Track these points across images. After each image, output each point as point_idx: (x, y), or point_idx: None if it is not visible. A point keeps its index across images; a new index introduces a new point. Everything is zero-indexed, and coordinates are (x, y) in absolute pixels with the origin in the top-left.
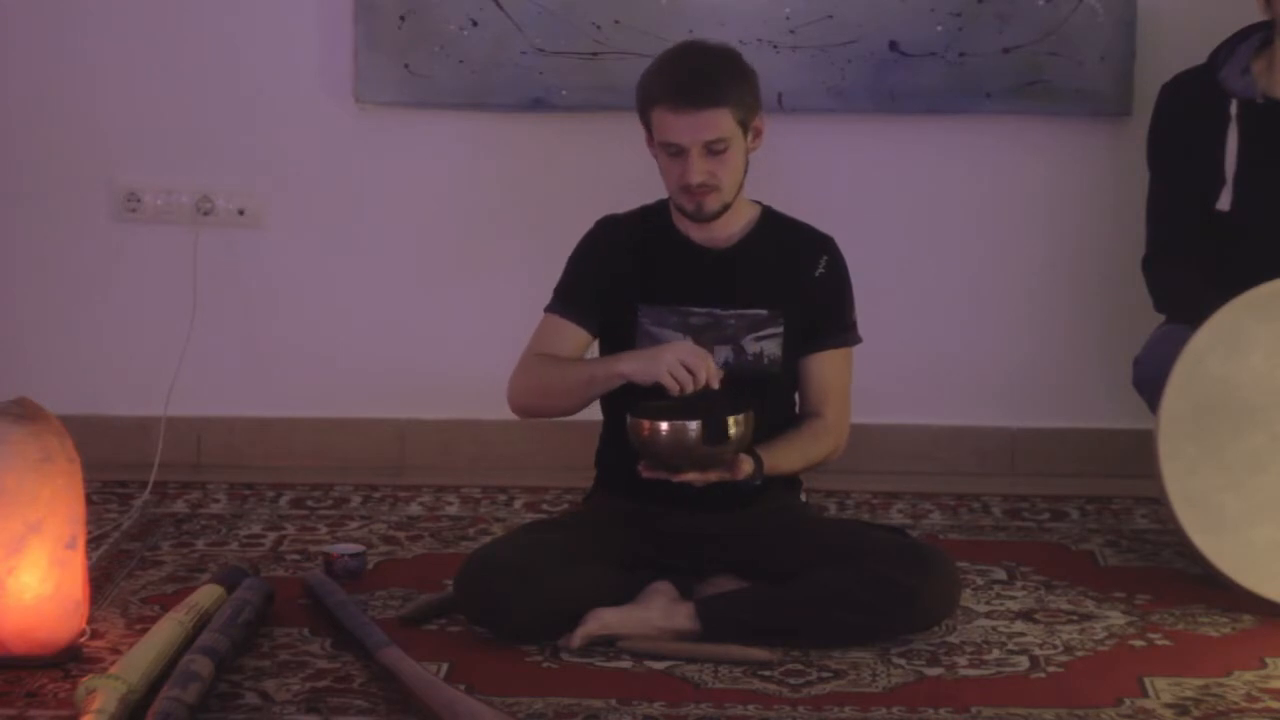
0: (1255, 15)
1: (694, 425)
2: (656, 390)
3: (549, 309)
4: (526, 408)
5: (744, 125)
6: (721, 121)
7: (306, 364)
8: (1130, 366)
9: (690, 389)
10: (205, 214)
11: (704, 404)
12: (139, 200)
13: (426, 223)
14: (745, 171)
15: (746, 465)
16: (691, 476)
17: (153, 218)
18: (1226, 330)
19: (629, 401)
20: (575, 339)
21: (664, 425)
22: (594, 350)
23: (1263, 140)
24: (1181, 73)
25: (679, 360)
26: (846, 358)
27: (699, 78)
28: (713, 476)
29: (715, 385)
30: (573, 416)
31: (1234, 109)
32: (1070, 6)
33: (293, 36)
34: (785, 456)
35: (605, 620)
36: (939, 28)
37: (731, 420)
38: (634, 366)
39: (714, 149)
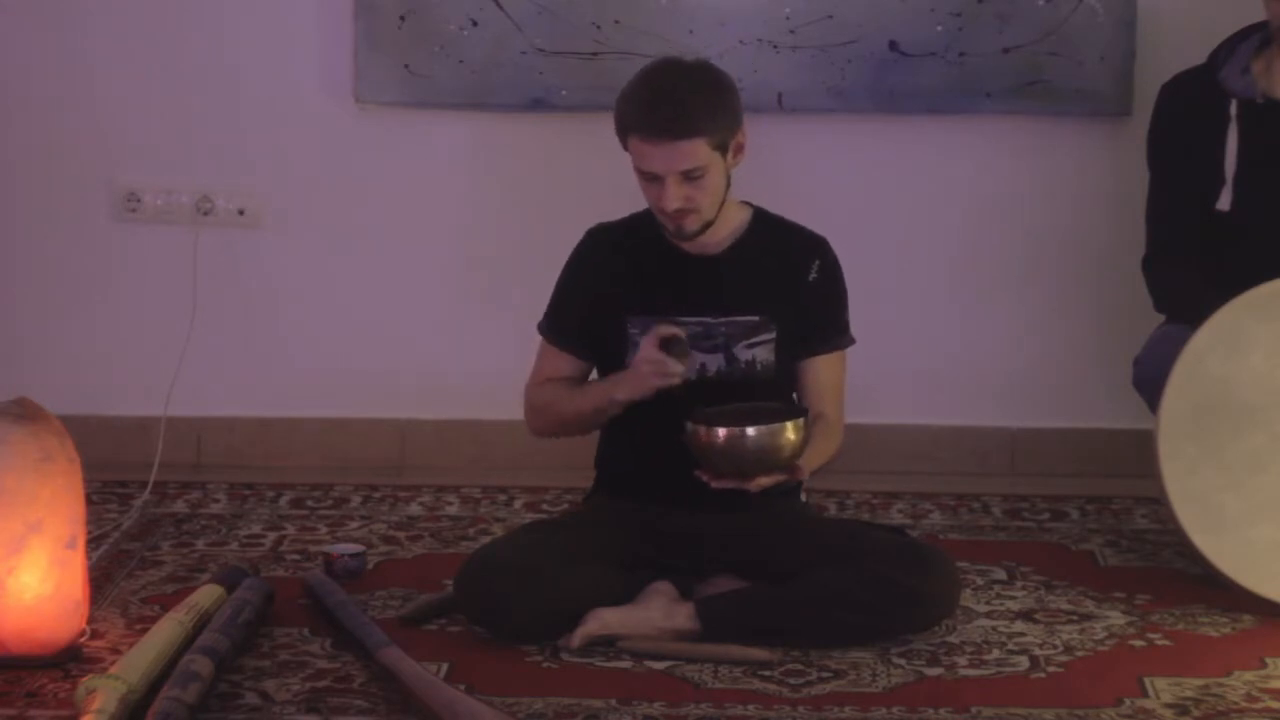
0: (1255, 15)
1: (751, 431)
2: (708, 398)
3: (542, 332)
4: (545, 435)
5: (722, 148)
6: (697, 151)
7: (306, 364)
8: (1130, 366)
9: (680, 377)
10: (205, 214)
11: (761, 409)
12: (139, 200)
13: (426, 223)
14: (727, 187)
15: (804, 469)
16: (763, 481)
17: (153, 218)
18: (1226, 330)
19: (636, 405)
20: (570, 367)
21: (721, 432)
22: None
23: (1263, 140)
24: (1181, 73)
25: (648, 364)
26: (842, 358)
27: (672, 108)
28: (774, 480)
29: (683, 372)
30: None
31: (1234, 109)
32: (1070, 6)
33: (293, 36)
34: (812, 456)
35: (605, 620)
36: (939, 28)
37: (790, 425)
38: (627, 393)
39: (690, 176)
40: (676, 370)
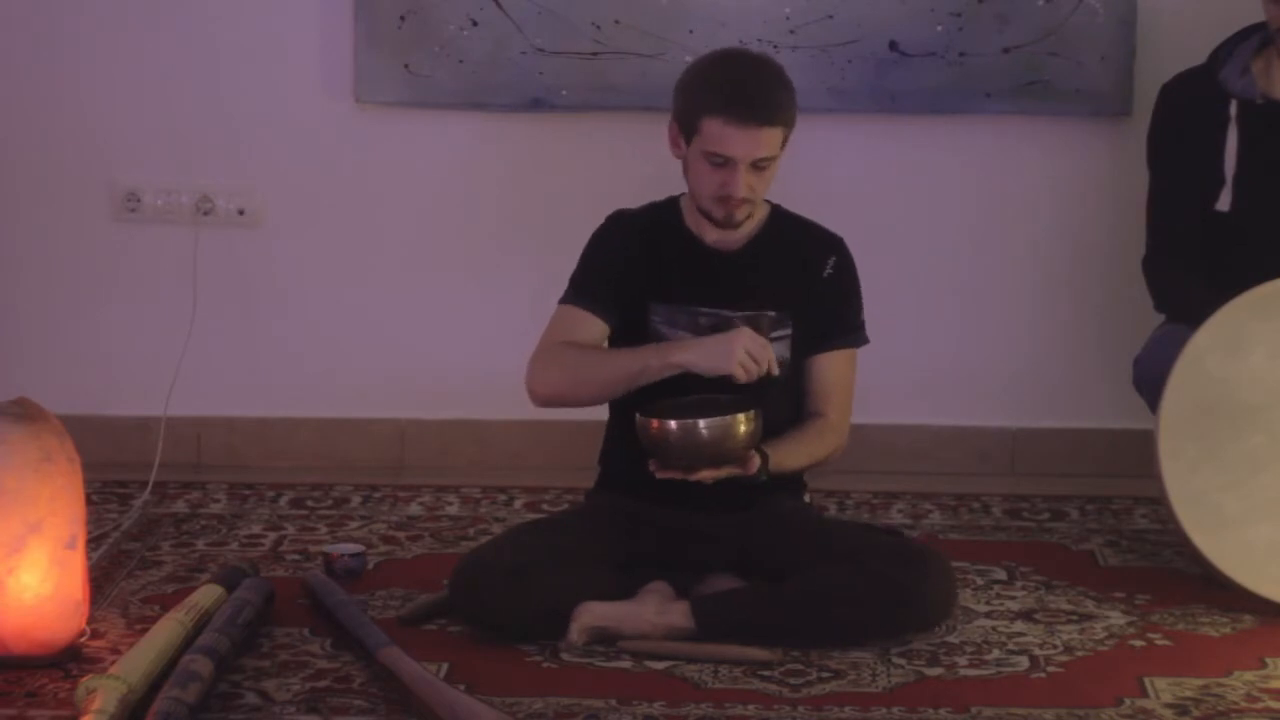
0: (1255, 15)
1: (704, 423)
2: (666, 389)
3: (565, 300)
4: (552, 397)
5: (785, 142)
6: (774, 139)
7: (306, 364)
8: (1130, 366)
9: (755, 378)
10: (205, 214)
11: (711, 401)
12: (139, 200)
13: (426, 223)
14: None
15: (756, 461)
16: (705, 474)
17: (153, 218)
18: (1226, 330)
19: (639, 400)
20: (595, 330)
21: (673, 424)
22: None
23: (1263, 140)
24: (1181, 73)
25: (747, 350)
26: (851, 358)
27: (762, 94)
28: (724, 473)
29: (776, 372)
30: (573, 416)
31: (1234, 109)
32: (1070, 6)
33: (293, 36)
34: (791, 454)
35: (596, 612)
36: (939, 28)
37: (742, 417)
38: (695, 357)
39: (760, 165)
40: (771, 361)
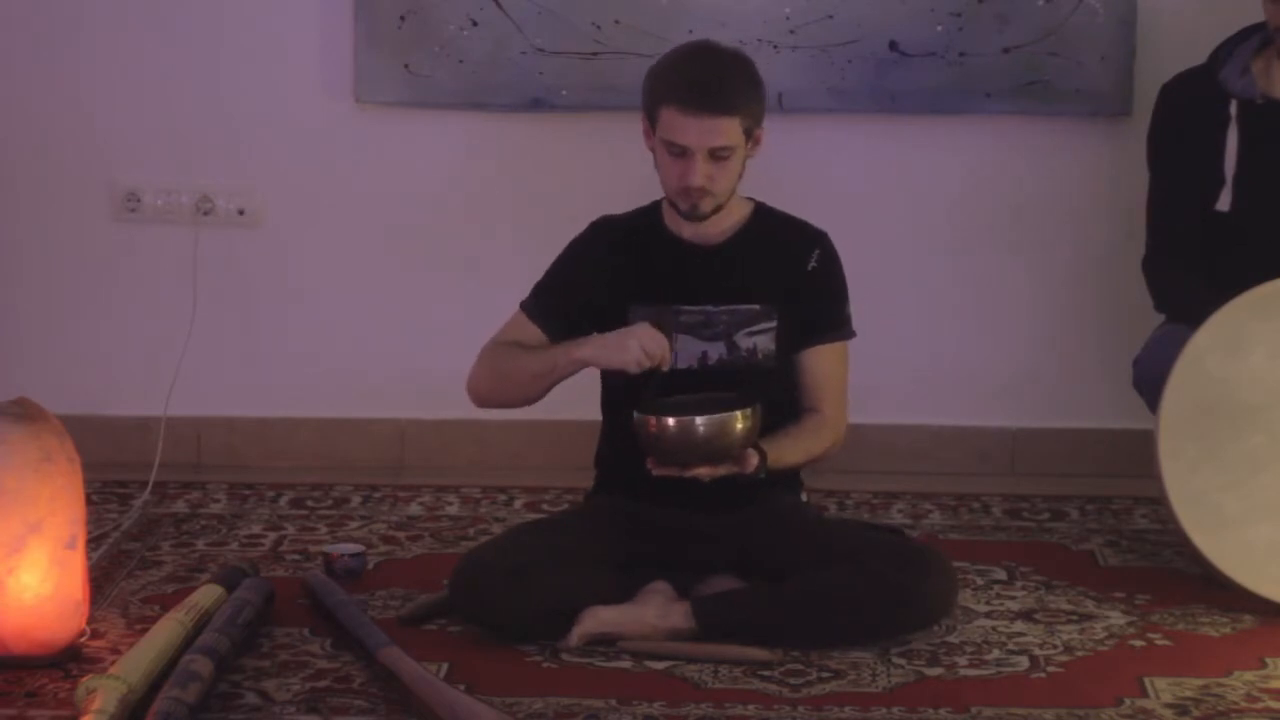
0: (1255, 15)
1: (701, 421)
2: (656, 387)
3: (522, 305)
4: (483, 396)
5: (748, 134)
6: (730, 129)
7: (307, 364)
8: (1130, 366)
9: (644, 370)
10: (205, 214)
11: (710, 399)
12: (139, 200)
13: (426, 222)
14: (740, 176)
15: (753, 459)
16: (701, 471)
17: (153, 218)
18: (1226, 330)
19: (628, 401)
20: (533, 340)
21: (671, 421)
22: None
23: (1263, 140)
24: (1181, 73)
25: (641, 345)
26: (842, 352)
27: (715, 83)
28: (721, 471)
29: (665, 369)
30: (573, 416)
31: (1234, 109)
32: (1070, 6)
33: (293, 36)
34: (788, 450)
35: (601, 618)
36: (939, 28)
37: (740, 414)
38: (594, 351)
39: (718, 155)
40: (665, 358)
